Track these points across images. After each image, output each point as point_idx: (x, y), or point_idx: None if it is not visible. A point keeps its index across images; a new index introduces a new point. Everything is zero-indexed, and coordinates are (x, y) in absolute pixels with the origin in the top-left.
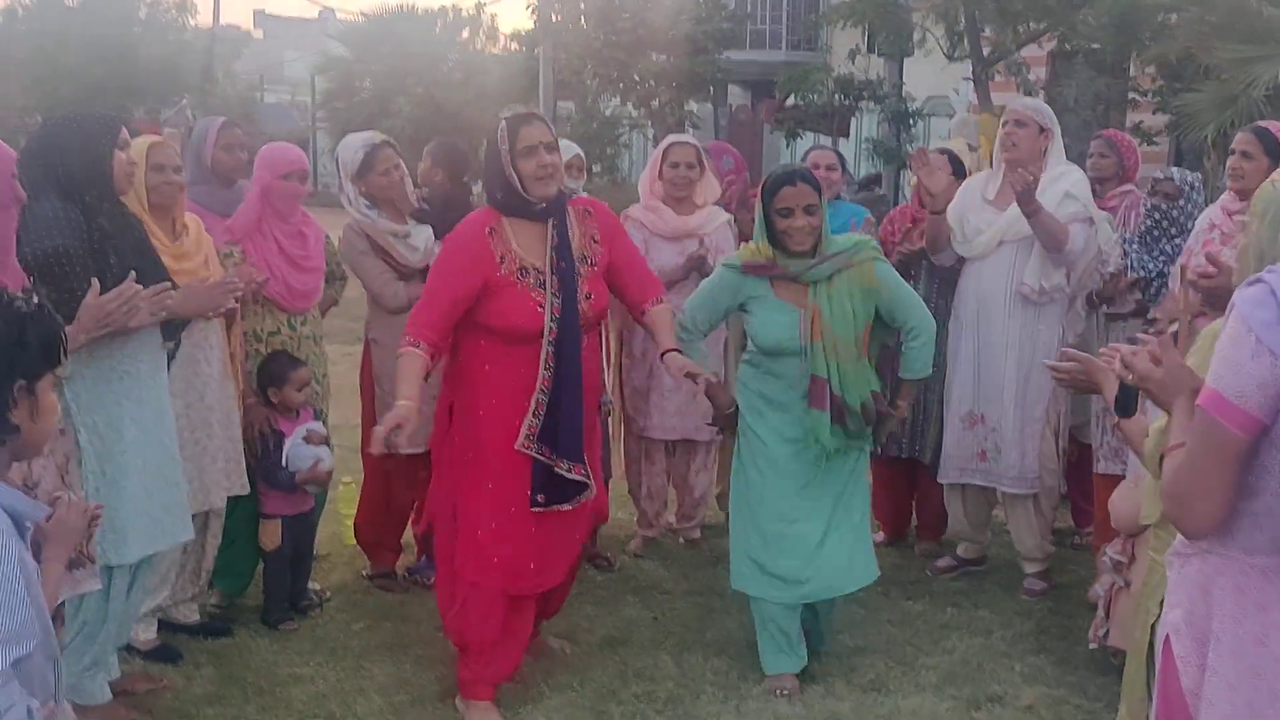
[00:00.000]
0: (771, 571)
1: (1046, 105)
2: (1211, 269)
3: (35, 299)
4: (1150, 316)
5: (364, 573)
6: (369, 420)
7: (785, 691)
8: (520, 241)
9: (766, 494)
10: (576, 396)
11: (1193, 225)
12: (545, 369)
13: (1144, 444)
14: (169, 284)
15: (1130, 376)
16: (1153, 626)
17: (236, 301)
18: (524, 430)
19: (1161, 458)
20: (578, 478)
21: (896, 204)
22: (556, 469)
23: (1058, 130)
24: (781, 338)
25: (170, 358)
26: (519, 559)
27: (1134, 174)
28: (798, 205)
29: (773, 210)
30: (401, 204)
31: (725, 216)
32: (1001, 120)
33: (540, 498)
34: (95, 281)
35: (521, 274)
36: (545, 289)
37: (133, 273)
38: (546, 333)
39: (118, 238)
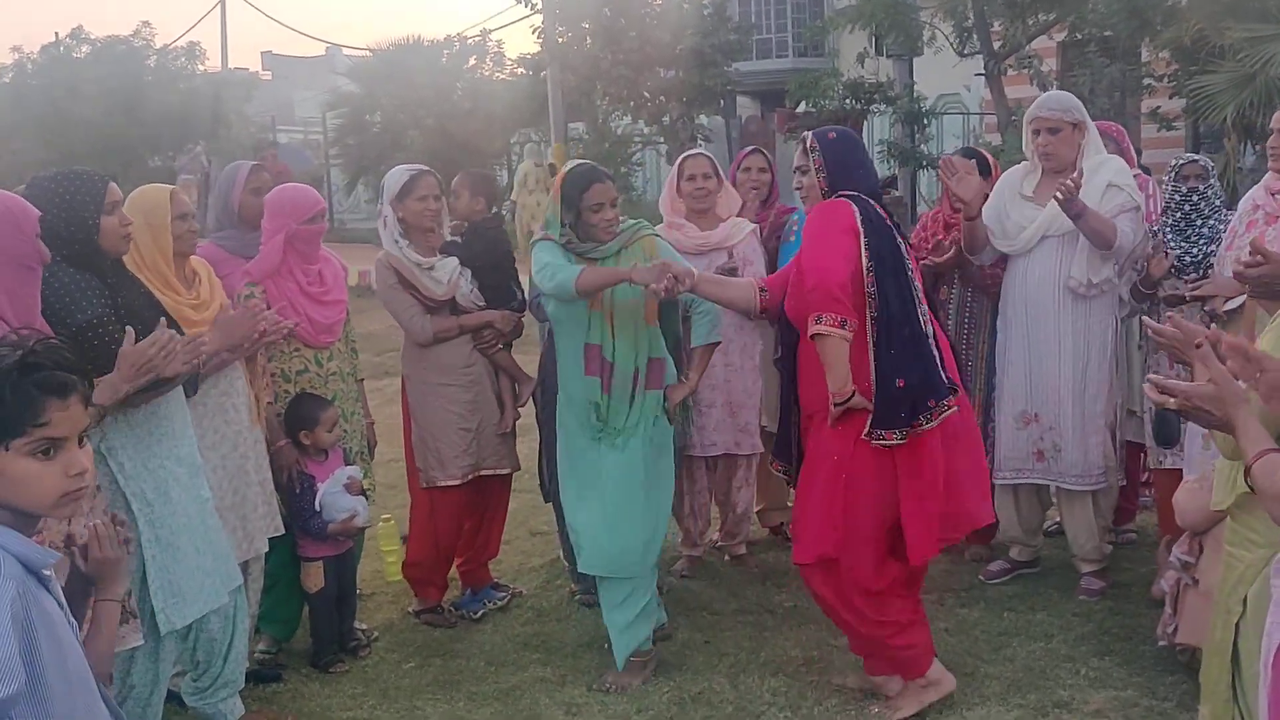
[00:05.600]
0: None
1: (1072, 97)
2: (1257, 257)
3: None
4: (1208, 309)
5: (409, 609)
6: (411, 454)
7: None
8: None
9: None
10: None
11: (1220, 203)
12: None
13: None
14: (204, 338)
15: (1171, 402)
16: (1237, 625)
17: (264, 335)
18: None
19: (1249, 469)
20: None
21: (914, 205)
22: None
23: (1089, 121)
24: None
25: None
26: None
27: (1129, 157)
28: (608, 200)
29: (585, 206)
30: (432, 236)
31: (750, 226)
32: (1031, 128)
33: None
34: (130, 330)
35: None
36: None
37: (163, 319)
38: None
39: (138, 304)
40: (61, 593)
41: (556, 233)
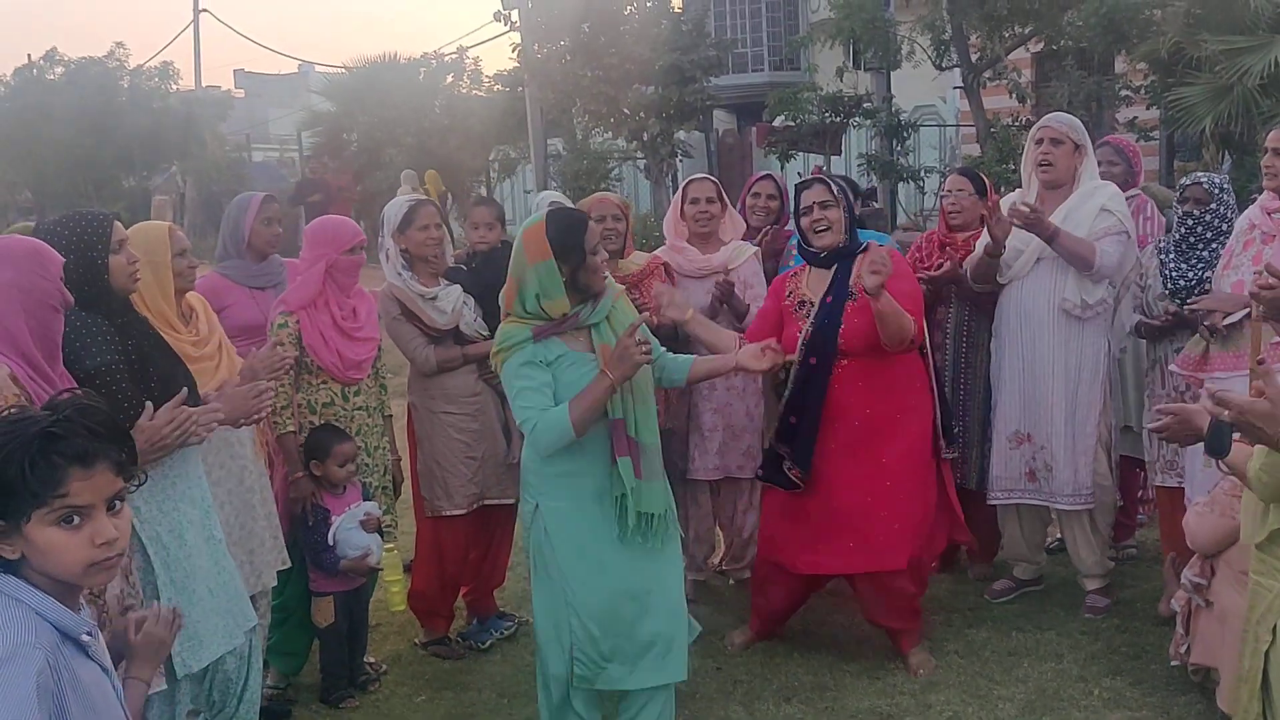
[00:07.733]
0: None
1: (1079, 121)
2: (1273, 280)
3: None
4: (1207, 324)
5: (417, 641)
6: (417, 484)
7: None
8: (809, 283)
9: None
10: (815, 413)
11: (1227, 228)
12: (794, 385)
13: (1246, 466)
14: (218, 408)
15: (1225, 413)
16: (1266, 653)
17: (274, 396)
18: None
19: None
20: (793, 479)
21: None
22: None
23: (1090, 145)
24: None
25: None
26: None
27: (1140, 178)
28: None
29: (589, 249)
30: (435, 263)
31: (751, 250)
32: (1035, 138)
33: (759, 471)
34: (149, 405)
35: (798, 306)
36: (809, 320)
37: (184, 391)
38: (799, 354)
39: (147, 346)
40: (107, 657)
41: (560, 294)
